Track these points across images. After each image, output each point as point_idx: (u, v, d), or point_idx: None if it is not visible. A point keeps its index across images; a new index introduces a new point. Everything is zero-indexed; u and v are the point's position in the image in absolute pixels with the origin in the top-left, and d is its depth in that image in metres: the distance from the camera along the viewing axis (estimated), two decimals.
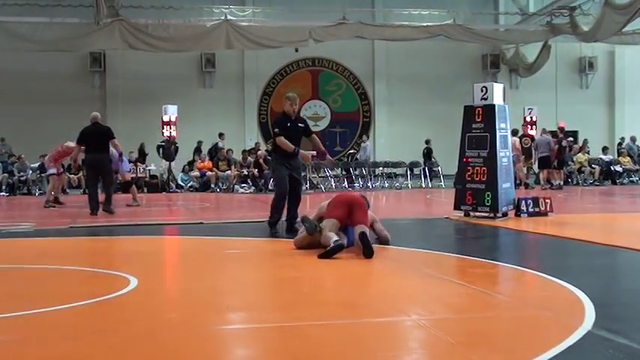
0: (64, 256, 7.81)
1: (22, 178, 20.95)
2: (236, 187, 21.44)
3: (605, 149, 25.13)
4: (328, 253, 6.87)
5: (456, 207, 11.33)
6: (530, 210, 11.25)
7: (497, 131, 10.92)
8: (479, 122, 11.06)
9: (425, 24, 23.87)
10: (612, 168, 24.07)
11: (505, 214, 11.03)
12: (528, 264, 6.95)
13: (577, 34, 23.54)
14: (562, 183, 21.07)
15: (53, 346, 3.91)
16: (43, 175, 19.79)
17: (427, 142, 24.11)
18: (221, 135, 23.14)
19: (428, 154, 23.93)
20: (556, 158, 20.79)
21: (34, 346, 3.89)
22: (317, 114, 26.97)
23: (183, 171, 22.75)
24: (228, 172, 21.98)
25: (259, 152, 22.13)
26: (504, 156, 11.13)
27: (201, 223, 11.00)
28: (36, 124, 23.05)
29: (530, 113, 23.73)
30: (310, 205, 12.45)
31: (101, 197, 12.99)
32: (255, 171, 21.50)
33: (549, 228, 9.85)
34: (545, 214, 11.26)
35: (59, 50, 22.43)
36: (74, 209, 14.14)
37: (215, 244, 8.60)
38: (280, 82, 26.48)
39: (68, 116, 23.54)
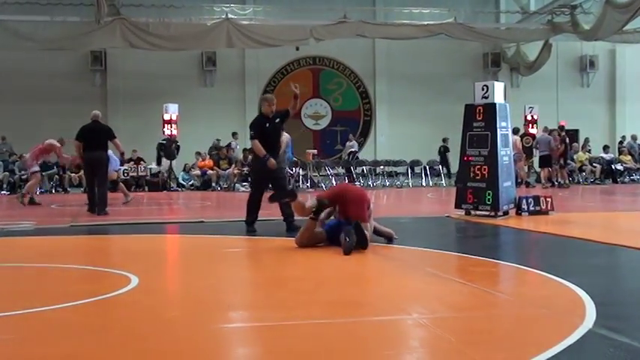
0: (65, 255, 7.82)
1: (22, 177, 20.93)
2: (237, 185, 21.43)
3: (606, 148, 25.12)
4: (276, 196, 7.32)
5: (457, 205, 11.33)
6: (531, 208, 11.25)
7: (498, 130, 10.92)
8: (480, 121, 11.06)
9: (426, 23, 23.86)
10: (613, 166, 24.06)
11: (506, 213, 11.03)
12: (529, 263, 6.95)
13: (578, 33, 23.52)
14: (568, 182, 21.10)
15: (53, 344, 3.91)
16: (43, 173, 19.79)
17: (444, 140, 24.07)
18: (234, 134, 23.08)
19: (444, 152, 23.93)
20: (561, 156, 20.79)
21: (34, 345, 3.89)
22: (318, 113, 26.96)
23: (184, 170, 22.76)
24: (229, 170, 21.98)
25: None
26: (505, 155, 11.13)
27: (202, 221, 10.99)
28: (37, 123, 23.02)
29: (531, 112, 23.74)
30: None
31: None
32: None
33: (550, 227, 9.84)
34: (546, 212, 11.26)
35: (60, 49, 22.42)
36: (75, 208, 14.14)
37: (216, 242, 8.60)
38: (281, 81, 26.44)
39: (69, 115, 23.51)
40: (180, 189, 21.86)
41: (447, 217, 11.24)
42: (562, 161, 20.92)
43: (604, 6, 20.79)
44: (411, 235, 9.41)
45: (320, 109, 27.00)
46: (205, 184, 21.97)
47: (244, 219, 9.48)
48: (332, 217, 7.80)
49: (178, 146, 22.39)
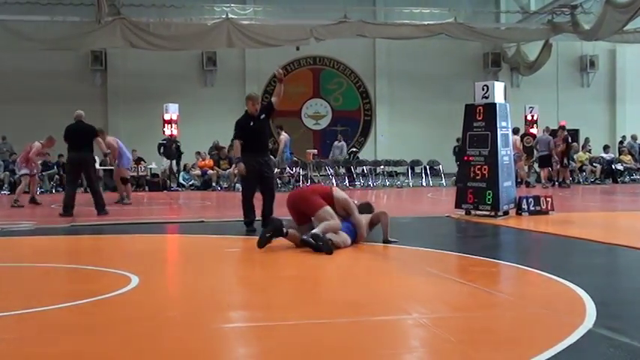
0: (65, 255, 7.82)
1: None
2: (237, 185, 21.40)
3: (606, 148, 25.13)
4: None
5: (457, 205, 11.33)
6: (531, 208, 11.24)
7: (499, 130, 10.92)
8: (480, 121, 11.06)
9: (426, 22, 23.88)
10: (613, 166, 24.06)
11: (506, 213, 11.03)
12: (529, 262, 6.95)
13: (578, 33, 23.52)
14: (569, 181, 21.12)
15: (54, 344, 3.91)
16: (44, 173, 19.81)
17: (458, 140, 24.02)
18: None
19: (459, 152, 23.85)
20: (563, 156, 20.80)
21: (35, 344, 3.90)
22: (318, 112, 26.97)
23: (184, 169, 22.76)
24: (229, 170, 21.97)
25: None
26: (505, 154, 11.13)
27: (202, 221, 11.00)
28: (37, 123, 22.98)
29: (531, 112, 23.73)
30: None
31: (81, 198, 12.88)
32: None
33: (550, 226, 9.84)
34: (546, 212, 11.25)
35: (60, 49, 22.43)
36: (75, 208, 14.13)
37: (216, 242, 8.60)
38: None
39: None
40: (180, 189, 21.86)
41: (447, 217, 11.23)
42: (565, 160, 20.93)
43: (604, 6, 20.79)
44: (411, 235, 9.40)
45: (320, 109, 27.01)
46: (205, 184, 21.97)
47: (243, 220, 9.50)
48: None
49: (178, 146, 22.40)
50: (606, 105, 28.62)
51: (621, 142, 26.22)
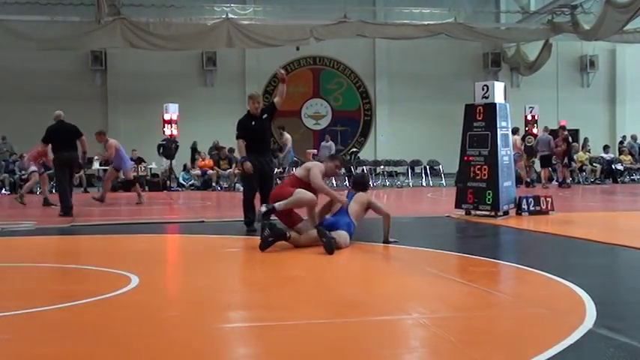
0: (65, 255, 7.82)
1: (23, 177, 20.92)
2: (237, 185, 21.41)
3: (606, 147, 25.14)
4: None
5: (457, 205, 11.33)
6: (531, 208, 11.25)
7: (499, 130, 10.93)
8: (480, 121, 11.06)
9: (426, 22, 23.87)
10: (613, 166, 24.07)
11: (506, 213, 11.03)
12: (529, 262, 6.94)
13: (578, 33, 23.51)
14: (569, 181, 21.12)
15: (53, 344, 3.91)
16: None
17: None
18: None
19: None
20: (564, 156, 20.80)
21: (34, 345, 3.89)
22: (318, 112, 26.97)
23: (184, 169, 22.77)
24: (229, 170, 21.98)
25: None
26: (505, 154, 11.13)
27: (203, 221, 11.00)
28: (37, 123, 22.81)
29: (531, 112, 23.73)
30: None
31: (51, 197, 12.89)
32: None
33: (550, 226, 9.84)
34: (546, 212, 11.26)
35: (60, 49, 22.42)
36: (75, 208, 14.12)
37: (216, 242, 8.60)
38: None
39: (69, 115, 23.21)
40: (180, 189, 21.86)
41: (447, 217, 11.23)
42: (566, 160, 20.92)
43: (604, 6, 20.78)
44: (411, 235, 9.41)
45: (320, 108, 27.00)
46: (205, 184, 21.98)
47: (243, 219, 9.51)
48: (327, 216, 7.84)
49: (177, 146, 22.39)
50: (606, 105, 28.61)
51: (621, 142, 26.23)
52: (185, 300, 5.29)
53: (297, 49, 25.10)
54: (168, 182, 22.08)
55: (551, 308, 4.66)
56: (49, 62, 23.75)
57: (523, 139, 21.98)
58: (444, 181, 22.39)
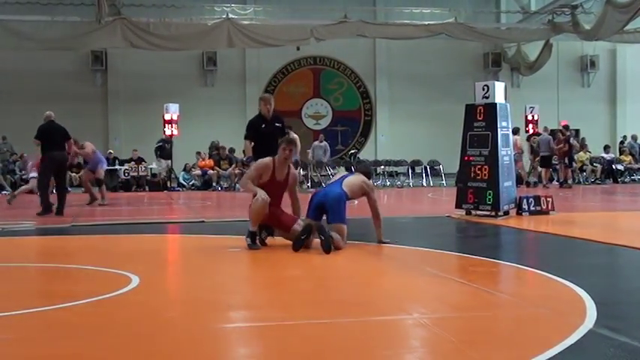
0: (65, 255, 7.82)
1: (23, 177, 20.94)
2: (237, 185, 21.43)
3: (606, 148, 25.13)
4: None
5: (458, 205, 11.33)
6: (532, 208, 11.24)
7: (499, 130, 10.92)
8: (480, 121, 11.06)
9: (426, 22, 23.86)
10: (614, 166, 24.06)
11: (506, 213, 11.03)
12: (530, 262, 6.95)
13: (578, 33, 23.51)
14: (570, 181, 21.07)
15: (54, 344, 3.90)
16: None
17: None
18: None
19: None
20: (566, 156, 20.77)
21: (34, 345, 3.89)
22: (318, 112, 26.96)
23: (184, 170, 22.77)
24: (230, 170, 21.99)
25: None
26: (506, 154, 11.13)
27: (203, 221, 11.00)
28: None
29: (531, 112, 23.71)
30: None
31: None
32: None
33: (551, 226, 9.84)
34: (546, 212, 11.25)
35: (61, 49, 22.43)
36: (75, 208, 14.13)
37: (216, 242, 8.60)
38: (282, 81, 26.48)
39: (70, 115, 23.38)
40: (181, 189, 21.87)
41: (448, 217, 11.23)
42: (566, 160, 20.89)
43: (605, 6, 20.78)
44: (411, 235, 9.42)
45: (320, 109, 26.99)
46: (206, 184, 21.98)
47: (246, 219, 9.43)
48: None
49: (171, 145, 22.36)
50: (606, 105, 28.60)
51: (622, 142, 26.23)
52: (185, 300, 5.29)
53: (298, 49, 25.11)
54: (168, 182, 22.07)
55: (551, 308, 4.66)
56: (49, 62, 23.75)
57: (528, 139, 21.96)
58: (444, 181, 22.39)
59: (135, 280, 5.65)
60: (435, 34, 23.80)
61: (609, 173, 24.01)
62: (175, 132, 21.90)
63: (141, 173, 22.01)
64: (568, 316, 4.39)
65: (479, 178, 10.95)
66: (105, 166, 15.95)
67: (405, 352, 3.80)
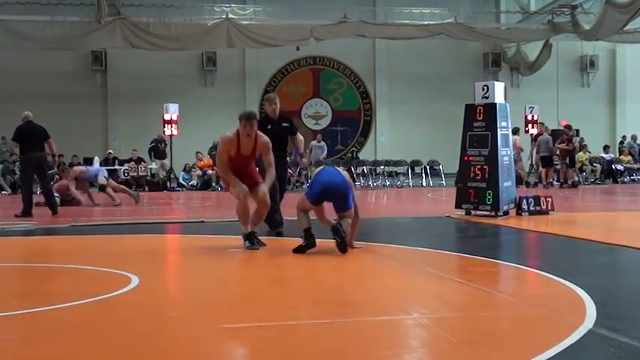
0: (65, 255, 7.81)
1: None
2: None
3: (606, 148, 25.13)
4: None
5: (457, 206, 11.33)
6: (532, 208, 11.24)
7: (499, 130, 10.92)
8: (480, 121, 11.06)
9: (426, 23, 23.87)
10: (613, 166, 24.06)
11: (506, 213, 11.03)
12: (529, 262, 6.95)
13: (578, 33, 23.51)
14: (575, 179, 20.99)
15: (54, 344, 3.90)
16: None
17: None
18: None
19: None
20: (568, 155, 20.74)
21: (34, 345, 3.89)
22: (318, 113, 26.96)
23: (184, 170, 22.77)
24: None
25: None
26: (505, 154, 11.13)
27: (203, 221, 11.00)
28: (37, 123, 23.03)
29: (531, 112, 23.71)
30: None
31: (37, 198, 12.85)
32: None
33: (550, 226, 9.84)
34: (546, 212, 11.25)
35: (60, 49, 22.43)
36: (75, 208, 14.14)
37: (216, 242, 8.60)
38: (281, 81, 26.49)
39: (69, 115, 23.62)
40: (180, 189, 21.87)
41: (447, 217, 11.23)
42: (567, 160, 20.84)
43: (604, 6, 20.78)
44: (411, 235, 9.42)
45: (320, 109, 27.00)
46: (205, 184, 21.98)
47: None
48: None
49: (166, 145, 22.36)
50: (606, 105, 28.61)
51: (621, 142, 26.22)
52: (185, 300, 5.29)
53: (297, 49, 25.11)
54: (168, 182, 22.07)
55: (551, 308, 4.66)
56: (49, 62, 23.75)
57: (535, 139, 21.88)
58: (444, 181, 22.39)
59: (135, 280, 5.65)
60: (435, 34, 23.81)
61: (609, 173, 24.01)
62: (175, 132, 21.91)
63: (140, 173, 22.00)
64: (568, 316, 4.39)
65: (478, 178, 10.95)
66: (104, 174, 15.75)
67: (405, 352, 3.80)
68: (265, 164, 7.83)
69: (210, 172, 22.13)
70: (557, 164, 21.46)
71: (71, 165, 16.08)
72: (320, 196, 7.23)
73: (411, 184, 22.73)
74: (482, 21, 25.73)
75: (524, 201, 11.28)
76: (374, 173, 23.22)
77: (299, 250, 7.12)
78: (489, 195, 10.79)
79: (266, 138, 7.81)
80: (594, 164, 23.88)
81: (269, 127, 9.07)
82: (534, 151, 21.82)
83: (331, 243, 7.12)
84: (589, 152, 24.46)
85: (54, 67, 24.05)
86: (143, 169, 22.16)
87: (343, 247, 6.96)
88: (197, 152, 22.87)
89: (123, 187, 16.56)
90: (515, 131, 18.90)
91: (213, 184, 21.88)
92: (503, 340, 4.01)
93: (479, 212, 10.94)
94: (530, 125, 23.29)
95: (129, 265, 6.37)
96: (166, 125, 21.84)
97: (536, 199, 11.41)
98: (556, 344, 3.67)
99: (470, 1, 26.43)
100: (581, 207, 14.78)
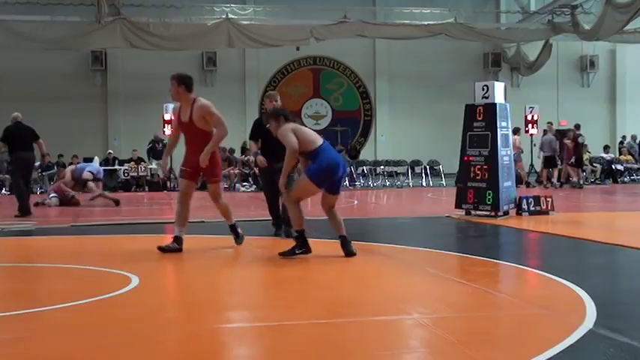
0: (65, 255, 7.81)
1: None
2: (237, 185, 21.45)
3: (606, 148, 25.13)
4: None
5: (457, 206, 11.33)
6: (532, 208, 11.24)
7: (499, 130, 10.93)
8: (480, 121, 11.06)
9: (426, 23, 23.87)
10: (613, 166, 24.05)
11: (506, 213, 11.03)
12: (529, 263, 6.95)
13: (578, 33, 23.51)
14: (582, 182, 20.88)
15: (54, 344, 3.91)
16: (44, 173, 19.87)
17: None
18: None
19: None
20: (573, 155, 20.70)
21: (35, 345, 3.90)
22: (318, 113, 26.95)
23: None
24: (229, 170, 21.98)
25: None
26: (505, 154, 11.13)
27: (203, 221, 11.00)
28: (37, 123, 22.74)
29: (531, 112, 23.71)
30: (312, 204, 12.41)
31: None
32: (257, 170, 21.52)
33: (550, 227, 9.84)
34: (546, 212, 11.25)
35: (61, 49, 22.42)
36: (75, 208, 14.15)
37: (216, 242, 8.60)
38: (281, 81, 26.47)
39: (70, 115, 23.61)
40: None
41: (448, 217, 11.23)
42: (573, 160, 20.78)
43: (604, 6, 20.78)
44: (411, 235, 9.42)
45: (320, 109, 26.99)
46: (204, 185, 21.93)
47: (247, 219, 9.38)
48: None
49: (164, 145, 22.35)
50: (606, 105, 28.60)
51: (621, 142, 26.21)
52: (185, 300, 5.30)
53: (297, 49, 25.10)
54: (168, 182, 22.06)
55: (551, 308, 4.66)
56: (49, 62, 23.74)
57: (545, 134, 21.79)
58: (444, 181, 22.38)
59: (135, 280, 5.65)
60: (435, 34, 23.79)
61: (609, 173, 24.00)
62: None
63: (140, 173, 21.99)
64: (568, 316, 4.39)
65: (479, 178, 10.95)
66: (89, 169, 15.61)
67: (405, 352, 3.80)
68: (213, 126, 7.80)
69: None
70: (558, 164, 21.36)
71: (71, 165, 16.03)
72: (326, 175, 6.77)
73: (411, 184, 22.73)
74: (482, 21, 25.72)
75: (524, 201, 11.28)
76: (374, 173, 23.21)
77: (288, 253, 6.80)
78: (489, 195, 10.79)
79: (204, 101, 7.72)
80: (594, 164, 23.88)
81: (268, 125, 8.98)
82: (540, 152, 21.71)
83: (331, 243, 7.11)
84: (589, 152, 24.45)
85: (54, 67, 24.03)
86: (143, 169, 22.16)
87: (351, 255, 6.85)
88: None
89: (103, 192, 16.10)
90: (516, 131, 18.90)
91: None
92: (503, 340, 4.01)
93: (479, 212, 10.94)
94: (530, 125, 23.28)
95: (129, 265, 6.38)
96: (166, 125, 21.84)
97: (536, 199, 11.41)
98: (556, 344, 3.67)
99: (470, 1, 26.43)
100: (581, 207, 14.77)
